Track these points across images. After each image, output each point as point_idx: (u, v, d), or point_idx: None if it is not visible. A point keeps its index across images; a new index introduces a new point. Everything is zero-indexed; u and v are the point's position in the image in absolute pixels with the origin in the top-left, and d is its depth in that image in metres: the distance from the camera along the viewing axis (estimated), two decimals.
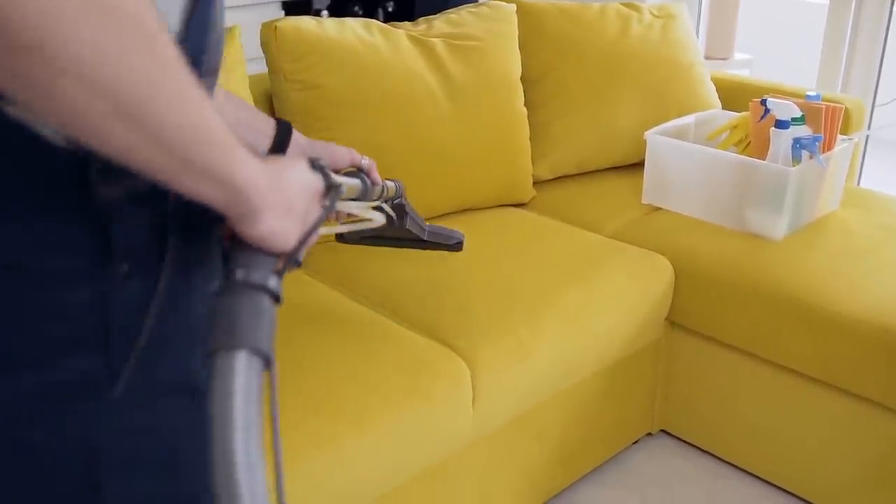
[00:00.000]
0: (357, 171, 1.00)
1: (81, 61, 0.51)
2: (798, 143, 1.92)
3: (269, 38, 1.88)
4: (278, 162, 0.71)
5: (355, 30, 1.97)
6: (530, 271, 1.83)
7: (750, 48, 4.06)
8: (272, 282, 0.66)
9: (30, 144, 0.63)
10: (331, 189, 0.76)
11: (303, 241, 0.70)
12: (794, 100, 1.99)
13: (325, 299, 1.71)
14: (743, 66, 3.96)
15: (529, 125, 2.24)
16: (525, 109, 2.19)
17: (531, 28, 2.28)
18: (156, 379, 0.72)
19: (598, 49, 2.30)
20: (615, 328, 1.83)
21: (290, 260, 0.69)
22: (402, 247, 1.64)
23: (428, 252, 1.89)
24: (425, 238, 1.61)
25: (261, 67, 1.96)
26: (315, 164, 0.75)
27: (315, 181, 0.74)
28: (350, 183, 0.93)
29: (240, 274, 0.65)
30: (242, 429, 0.58)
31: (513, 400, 1.66)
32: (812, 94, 2.06)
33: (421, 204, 2.04)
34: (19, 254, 0.64)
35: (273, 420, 0.63)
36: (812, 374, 1.80)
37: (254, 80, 1.95)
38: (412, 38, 2.04)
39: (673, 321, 2.01)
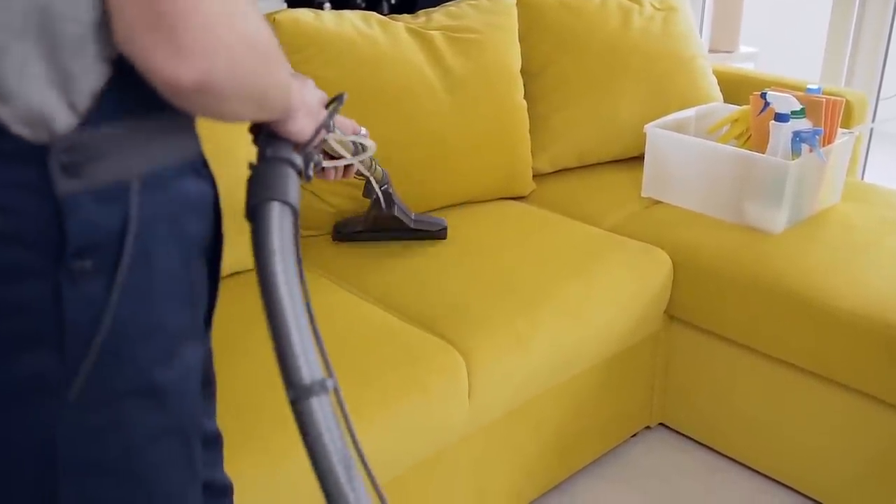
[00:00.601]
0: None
1: (249, 92, 0.71)
2: (798, 137, 1.92)
3: None
4: (299, 78, 0.89)
5: (354, 22, 1.96)
6: (528, 264, 1.82)
7: (756, 41, 4.04)
8: (294, 157, 0.83)
9: None
10: (333, 101, 0.96)
11: (316, 133, 0.88)
12: (795, 93, 1.98)
13: (323, 292, 1.71)
14: (748, 59, 3.94)
15: (529, 118, 2.23)
16: (525, 102, 2.19)
17: (531, 20, 2.27)
18: (115, 380, 0.71)
19: (598, 42, 2.30)
20: (613, 321, 1.83)
21: (307, 147, 0.87)
22: (391, 238, 1.75)
23: (425, 247, 1.90)
24: (412, 226, 1.75)
25: None
26: (335, 97, 0.96)
27: (321, 93, 0.93)
28: (345, 140, 1.11)
29: (269, 151, 0.83)
30: (280, 256, 0.74)
31: (510, 392, 1.66)
32: (813, 87, 2.05)
33: (420, 196, 2.04)
34: None
35: (297, 260, 0.77)
36: (811, 368, 1.80)
37: None
38: (411, 31, 2.04)
39: (672, 315, 2.01)
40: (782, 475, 1.94)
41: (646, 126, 2.12)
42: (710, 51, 3.73)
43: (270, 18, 1.88)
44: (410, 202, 2.03)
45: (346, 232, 1.85)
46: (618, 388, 1.96)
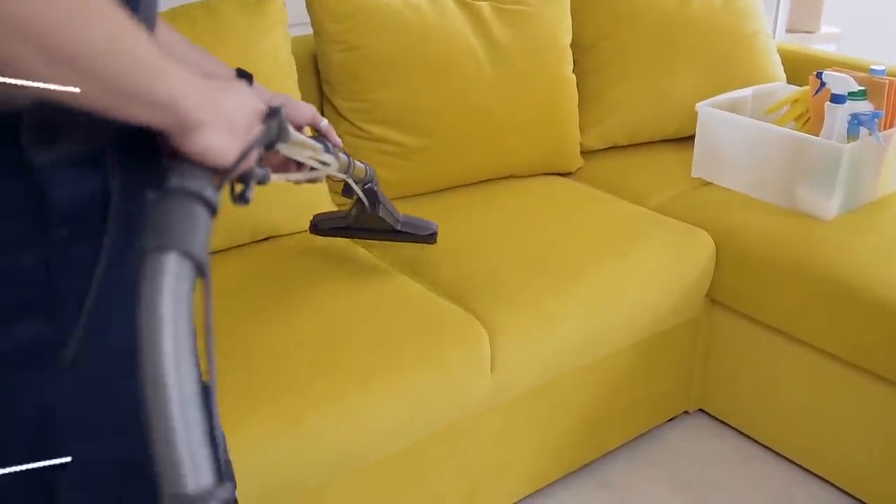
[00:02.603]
0: (318, 136, 0.98)
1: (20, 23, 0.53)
2: (856, 119, 1.83)
3: None
4: (219, 82, 0.71)
5: None
6: (566, 241, 1.80)
7: (840, 22, 3.87)
8: (208, 191, 0.66)
9: None
10: (273, 113, 0.76)
11: (242, 157, 0.70)
12: (857, 74, 1.89)
13: (354, 259, 1.73)
14: (830, 40, 3.78)
15: (581, 93, 2.20)
16: (573, 76, 2.15)
17: None
18: (107, 341, 0.72)
19: (655, 16, 2.24)
20: (649, 302, 1.79)
21: (228, 176, 0.70)
22: (375, 238, 1.65)
23: (461, 215, 1.89)
24: (399, 228, 1.61)
25: (308, 30, 1.97)
26: (272, 111, 0.77)
27: (256, 102, 0.75)
28: (312, 144, 0.94)
29: (175, 181, 0.65)
30: (171, 327, 0.58)
31: (535, 369, 1.65)
32: (878, 68, 1.95)
33: (463, 169, 2.03)
34: None
35: (207, 332, 0.63)
36: (855, 360, 1.73)
37: (298, 42, 1.97)
38: (458, 2, 2.02)
39: (713, 299, 1.96)
40: (818, 467, 1.88)
41: (697, 104, 2.06)
42: (789, 30, 3.60)
43: None
44: (454, 174, 2.03)
45: (325, 228, 1.68)
46: (654, 370, 1.92)
